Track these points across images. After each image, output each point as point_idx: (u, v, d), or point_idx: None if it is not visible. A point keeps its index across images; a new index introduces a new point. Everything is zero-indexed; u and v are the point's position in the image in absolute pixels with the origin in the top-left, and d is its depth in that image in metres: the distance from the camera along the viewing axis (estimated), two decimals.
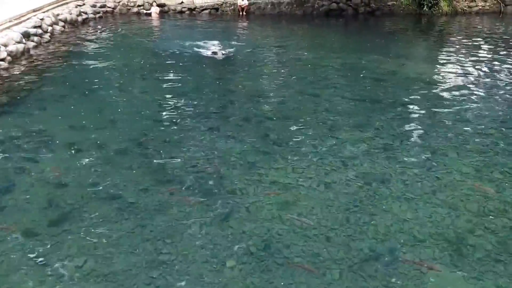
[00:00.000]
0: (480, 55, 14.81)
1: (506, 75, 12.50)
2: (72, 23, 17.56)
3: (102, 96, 10.26)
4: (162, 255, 5.21)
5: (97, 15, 19.73)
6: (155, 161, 7.33)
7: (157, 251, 5.26)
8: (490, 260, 5.15)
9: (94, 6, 19.95)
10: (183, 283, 4.79)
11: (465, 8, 24.46)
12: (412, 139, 8.24)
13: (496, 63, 13.77)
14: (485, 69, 13.02)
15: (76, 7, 18.76)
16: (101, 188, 6.51)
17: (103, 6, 20.56)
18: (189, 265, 5.05)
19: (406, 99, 10.32)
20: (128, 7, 21.22)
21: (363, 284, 4.82)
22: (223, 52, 13.75)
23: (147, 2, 21.29)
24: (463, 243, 5.43)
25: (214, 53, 13.94)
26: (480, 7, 24.72)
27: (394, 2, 23.41)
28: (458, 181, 6.78)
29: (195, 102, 9.89)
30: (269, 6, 22.48)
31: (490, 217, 5.92)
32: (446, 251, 5.29)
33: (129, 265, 5.04)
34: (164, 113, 9.27)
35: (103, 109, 9.42)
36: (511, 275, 4.92)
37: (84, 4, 19.54)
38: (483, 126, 8.75)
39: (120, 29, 17.89)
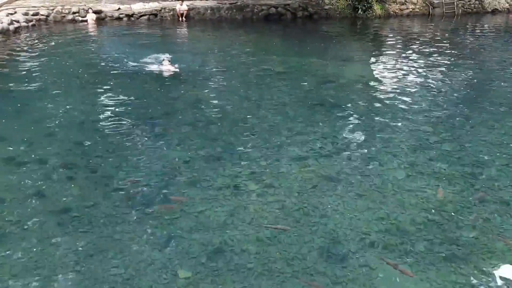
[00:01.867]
0: (413, 55, 15.57)
1: (437, 74, 13.21)
2: (3, 33, 16.66)
3: (38, 108, 9.79)
4: (111, 270, 5.05)
5: (30, 23, 18.78)
6: (99, 173, 7.11)
7: (105, 266, 5.10)
8: (432, 252, 5.41)
9: (26, 14, 18.99)
10: None
11: (397, 11, 25.63)
12: (354, 140, 8.50)
13: (427, 63, 14.52)
14: (418, 69, 13.70)
15: (7, 15, 17.84)
16: (43, 203, 6.22)
17: (36, 14, 19.65)
18: (141, 278, 4.93)
19: (346, 101, 10.64)
20: (63, 15, 20.42)
21: (315, 283, 4.91)
22: (165, 59, 13.52)
23: (83, 9, 20.60)
24: (406, 237, 5.67)
25: (157, 62, 13.47)
26: (411, 9, 25.98)
27: (331, 6, 24.11)
28: (399, 179, 7.06)
29: (138, 111, 9.67)
30: (208, 11, 22.46)
31: (432, 211, 6.21)
32: (391, 245, 5.50)
33: (75, 283, 4.85)
34: (106, 123, 9.00)
35: (40, 122, 8.99)
36: (453, 266, 5.19)
37: (15, 12, 18.57)
38: (418, 125, 9.18)
39: (54, 37, 17.19)
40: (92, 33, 18.62)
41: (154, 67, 12.90)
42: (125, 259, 5.22)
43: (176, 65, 12.69)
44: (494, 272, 4.98)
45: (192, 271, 5.03)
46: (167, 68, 12.66)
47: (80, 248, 5.38)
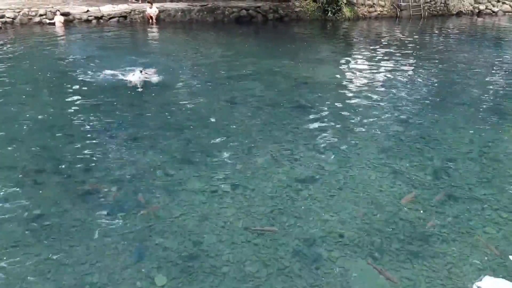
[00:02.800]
0: (381, 56, 15.89)
1: (405, 74, 13.53)
2: None
3: (4, 112, 9.52)
4: (84, 278, 4.95)
5: None
6: (69, 178, 6.97)
7: (80, 275, 5.00)
8: (405, 250, 5.52)
9: None
10: None
11: (366, 13, 26.11)
12: (327, 140, 8.60)
13: (395, 63, 14.85)
14: (387, 69, 13.99)
15: None
16: (10, 210, 6.05)
17: (2, 16, 19.18)
18: (116, 286, 4.86)
19: (318, 102, 10.76)
20: (30, 17, 19.99)
21: (291, 284, 4.94)
22: (136, 70, 13.33)
23: (50, 11, 20.21)
24: (380, 235, 5.77)
25: (129, 71, 12.78)
26: (379, 12, 26.51)
27: (301, 9, 24.37)
28: (371, 179, 7.18)
29: (107, 115, 9.52)
30: (179, 13, 22.36)
31: (404, 209, 6.35)
32: (366, 244, 5.59)
33: None
34: (75, 128, 8.83)
35: (6, 126, 8.74)
36: (425, 264, 5.31)
37: None
38: (388, 125, 9.39)
39: (21, 41, 16.79)
40: (60, 36, 18.26)
41: (126, 74, 12.36)
42: (98, 266, 5.13)
43: (148, 72, 12.33)
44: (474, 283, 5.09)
45: (168, 277, 4.99)
46: (138, 78, 12.06)
47: (52, 257, 5.26)
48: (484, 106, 10.82)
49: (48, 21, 20.07)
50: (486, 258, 5.39)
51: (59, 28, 19.51)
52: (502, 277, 5.06)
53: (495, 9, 29.76)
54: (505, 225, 6.04)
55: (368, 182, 7.05)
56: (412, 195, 6.59)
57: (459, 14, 28.78)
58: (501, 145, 8.53)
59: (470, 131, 9.10)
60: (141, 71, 12.34)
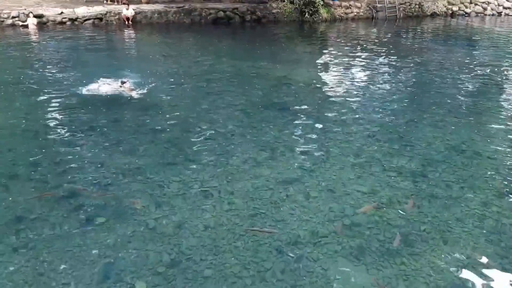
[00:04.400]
0: (358, 57, 16.05)
1: (382, 75, 13.69)
2: None
3: None
4: (62, 286, 4.85)
5: None
6: (45, 183, 6.81)
7: (57, 284, 4.88)
8: (385, 249, 5.56)
9: None
10: None
11: (342, 15, 26.36)
12: (306, 142, 8.62)
13: (372, 64, 15.02)
14: (364, 70, 14.14)
15: None
16: None
17: None
18: None
19: (297, 103, 10.79)
20: (2, 19, 19.54)
21: (273, 286, 4.92)
22: (111, 65, 13.13)
23: (23, 13, 19.78)
24: (360, 236, 5.80)
25: (106, 76, 12.15)
26: (355, 13, 26.79)
27: (278, 10, 24.44)
28: (350, 179, 7.22)
29: (84, 119, 9.36)
30: (156, 15, 22.17)
31: (384, 209, 6.40)
32: (346, 245, 5.61)
33: None
34: (50, 133, 8.64)
35: None
36: (404, 263, 5.36)
37: None
38: (366, 125, 9.47)
39: None
40: (33, 39, 17.90)
41: (102, 81, 11.73)
42: (77, 273, 5.01)
43: (126, 86, 11.43)
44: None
45: (148, 283, 4.91)
46: (116, 87, 11.37)
47: (29, 265, 5.12)
48: (459, 105, 11.01)
49: (21, 23, 19.65)
50: (465, 255, 5.47)
51: (32, 30, 19.11)
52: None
53: (468, 10, 30.41)
54: (482, 222, 6.14)
55: (347, 183, 7.09)
56: (373, 205, 6.50)
57: (433, 15, 29.30)
58: (476, 144, 8.68)
59: (446, 131, 9.24)
60: (123, 82, 11.37)
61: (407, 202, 6.57)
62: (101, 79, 11.79)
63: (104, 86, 11.39)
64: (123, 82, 11.36)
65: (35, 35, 18.53)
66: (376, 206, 6.42)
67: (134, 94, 11.01)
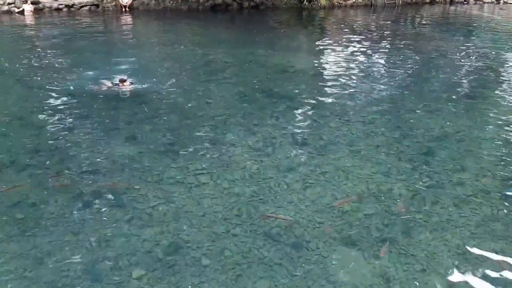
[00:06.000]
0: (357, 44, 15.96)
1: (380, 62, 13.63)
2: None
3: None
4: (61, 273, 4.84)
5: None
6: (43, 171, 6.79)
7: (55, 270, 4.87)
8: (384, 237, 5.57)
9: None
10: None
11: (341, 2, 26.18)
12: (304, 129, 8.61)
13: (371, 51, 14.95)
14: (362, 57, 14.07)
15: None
16: None
17: None
18: (93, 282, 4.76)
19: (295, 91, 10.75)
20: None
21: (272, 273, 4.91)
22: (107, 53, 13.02)
23: None
24: (358, 223, 5.80)
25: (103, 67, 11.95)
26: (354, 0, 26.58)
27: None
28: (347, 167, 7.20)
29: (82, 106, 9.32)
30: (153, 1, 21.99)
31: (382, 197, 6.39)
32: (344, 233, 5.61)
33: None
34: (48, 120, 8.61)
35: None
36: (403, 251, 5.37)
37: None
38: (364, 113, 9.44)
39: None
40: (29, 26, 17.73)
41: (100, 76, 11.20)
42: (75, 260, 5.01)
43: (127, 82, 10.70)
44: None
45: (147, 269, 4.91)
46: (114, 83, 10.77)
47: (27, 252, 5.11)
48: (457, 92, 10.98)
49: (16, 9, 19.46)
50: (462, 241, 5.49)
51: (28, 17, 18.92)
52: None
53: None
54: (480, 209, 6.15)
55: (345, 170, 7.08)
56: (352, 198, 6.39)
57: (432, 2, 29.14)
58: (474, 130, 8.66)
59: (445, 118, 9.22)
60: (122, 81, 10.56)
61: (409, 191, 6.56)
62: (100, 78, 11.15)
63: (101, 83, 10.81)
64: (122, 80, 10.59)
65: (31, 21, 18.35)
66: (355, 199, 6.32)
67: (132, 87, 10.65)
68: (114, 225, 5.63)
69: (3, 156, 7.20)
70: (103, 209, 5.93)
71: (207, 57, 13.56)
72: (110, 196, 6.25)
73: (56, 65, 12.18)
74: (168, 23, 19.69)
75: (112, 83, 10.67)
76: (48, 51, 13.61)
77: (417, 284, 4.81)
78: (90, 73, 11.49)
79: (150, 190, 6.37)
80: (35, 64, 12.29)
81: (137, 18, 20.18)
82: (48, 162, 7.06)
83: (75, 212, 5.85)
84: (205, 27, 18.81)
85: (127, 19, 19.96)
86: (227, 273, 4.91)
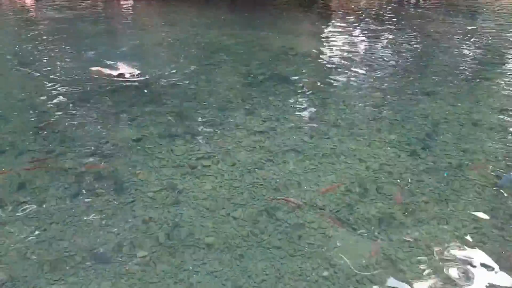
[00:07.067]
0: (361, 27, 15.83)
1: (384, 45, 13.53)
2: None
3: None
4: (64, 254, 4.90)
5: None
6: (44, 154, 6.81)
7: (58, 251, 4.94)
8: (385, 217, 5.60)
9: None
10: (92, 285, 4.56)
11: None
12: (307, 113, 8.59)
13: (375, 34, 14.81)
14: (366, 40, 13.96)
15: None
16: None
17: None
18: (96, 262, 4.82)
19: (298, 74, 10.69)
20: None
21: (269, 255, 4.98)
22: (110, 39, 12.92)
23: None
24: (359, 205, 5.83)
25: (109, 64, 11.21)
26: None
27: None
28: (350, 150, 7.22)
29: (81, 90, 9.29)
30: None
31: (382, 179, 6.41)
32: (345, 214, 5.65)
33: (27, 270, 4.68)
34: (47, 103, 8.60)
35: None
36: (403, 233, 5.41)
37: None
38: (368, 96, 9.42)
39: None
40: (29, 8, 17.61)
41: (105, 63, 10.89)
42: (77, 242, 5.08)
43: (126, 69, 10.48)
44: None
45: (149, 250, 4.98)
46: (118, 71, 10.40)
47: (30, 234, 5.18)
48: (460, 76, 10.92)
49: None
50: (462, 225, 5.52)
51: (29, 2, 18.79)
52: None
53: None
54: (483, 192, 6.16)
55: (347, 153, 7.10)
56: (337, 184, 6.33)
57: None
58: (478, 114, 8.64)
59: (447, 101, 9.18)
60: (141, 81, 9.95)
61: (411, 173, 6.58)
62: (100, 61, 10.99)
63: (101, 67, 10.60)
64: (136, 82, 9.96)
65: (32, 4, 18.22)
66: (340, 186, 6.27)
67: (133, 71, 10.45)
68: (116, 208, 5.68)
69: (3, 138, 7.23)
70: (105, 192, 5.98)
71: (208, 40, 13.47)
72: (111, 179, 6.28)
73: (56, 49, 12.12)
74: (169, 5, 19.49)
75: (112, 68, 10.59)
76: (48, 35, 13.51)
77: (421, 268, 4.86)
78: (91, 55, 11.44)
79: (151, 173, 6.41)
80: (35, 50, 12.22)
81: (138, 0, 19.99)
82: (50, 146, 7.08)
83: (75, 195, 5.90)
84: (206, 9, 18.61)
85: (128, 1, 19.78)
86: (227, 254, 4.97)
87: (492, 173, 6.63)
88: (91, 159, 6.72)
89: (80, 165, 6.55)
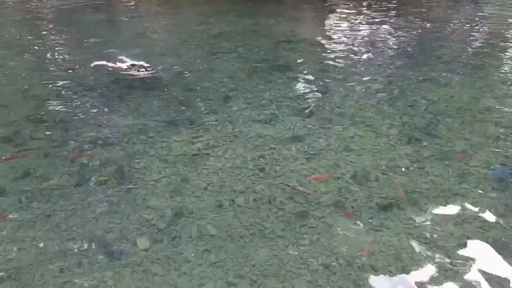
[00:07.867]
0: (363, 15, 15.64)
1: (386, 32, 13.38)
2: None
3: None
4: (66, 243, 4.93)
5: None
6: (46, 144, 6.83)
7: (61, 240, 4.97)
8: (385, 209, 5.59)
9: None
10: (95, 272, 4.60)
11: None
12: (309, 101, 8.53)
13: (376, 21, 14.65)
14: (368, 27, 13.80)
15: None
16: None
17: None
18: (99, 250, 4.85)
19: (300, 62, 10.62)
20: None
21: (271, 243, 4.98)
22: (112, 28, 12.87)
23: None
24: (361, 194, 5.82)
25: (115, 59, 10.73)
26: None
27: None
28: (352, 138, 7.17)
29: (82, 77, 9.28)
30: None
31: (383, 167, 6.39)
32: (347, 202, 5.64)
33: (31, 258, 4.72)
34: (49, 92, 8.60)
35: None
36: (403, 221, 5.40)
37: None
38: (370, 84, 9.33)
39: None
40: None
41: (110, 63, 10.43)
42: (81, 230, 5.11)
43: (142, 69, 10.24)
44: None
45: (151, 240, 4.99)
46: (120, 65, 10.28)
47: (34, 223, 5.22)
48: (464, 63, 10.80)
49: None
50: (466, 212, 5.50)
51: None
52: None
53: None
54: (483, 181, 6.14)
55: (349, 141, 7.06)
56: (328, 175, 6.24)
57: None
58: (481, 102, 8.55)
59: (451, 88, 9.10)
60: (143, 69, 9.99)
61: (414, 161, 6.55)
62: (102, 51, 10.92)
63: (104, 58, 10.51)
64: (139, 70, 9.98)
65: None
66: (331, 176, 6.23)
67: (135, 61, 10.41)
68: (118, 195, 5.69)
69: (4, 129, 7.25)
70: (107, 180, 5.99)
71: (210, 27, 13.38)
72: (113, 167, 6.30)
73: (58, 38, 12.08)
74: None
75: (114, 58, 10.55)
76: (50, 24, 13.48)
77: (423, 257, 4.86)
78: (92, 44, 11.40)
79: (152, 162, 6.41)
80: (36, 38, 12.19)
81: None
82: (53, 135, 7.09)
83: (77, 184, 5.92)
84: None
85: None
86: (234, 243, 4.98)
87: (498, 161, 6.59)
88: (93, 147, 6.73)
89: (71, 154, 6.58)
